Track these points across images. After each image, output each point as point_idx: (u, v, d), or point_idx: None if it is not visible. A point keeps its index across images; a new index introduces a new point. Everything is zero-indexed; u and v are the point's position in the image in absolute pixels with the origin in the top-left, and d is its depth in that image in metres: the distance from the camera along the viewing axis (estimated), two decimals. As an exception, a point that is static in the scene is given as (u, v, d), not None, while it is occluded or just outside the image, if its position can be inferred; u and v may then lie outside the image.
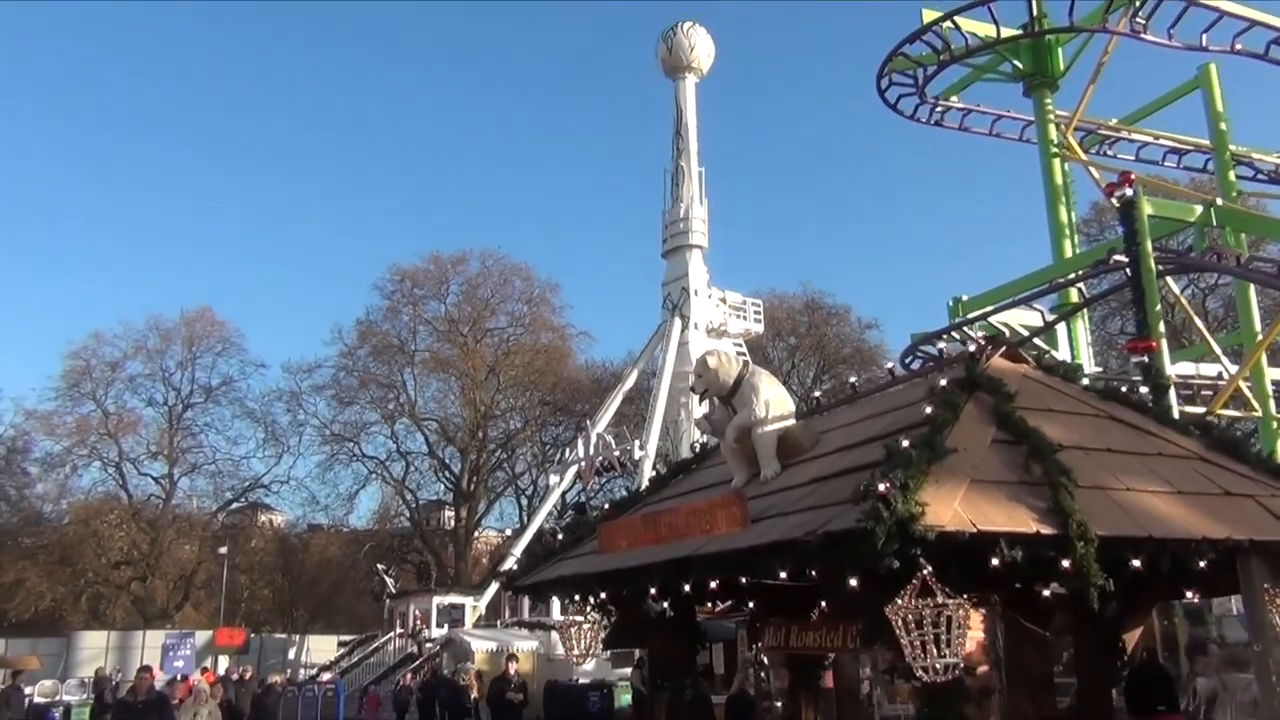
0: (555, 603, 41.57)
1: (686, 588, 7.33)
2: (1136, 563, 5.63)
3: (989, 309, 29.33)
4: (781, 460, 8.05)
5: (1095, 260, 27.92)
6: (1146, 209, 24.56)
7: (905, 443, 5.71)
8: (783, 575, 6.05)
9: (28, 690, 27.64)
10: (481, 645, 39.95)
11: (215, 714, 15.31)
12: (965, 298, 32.17)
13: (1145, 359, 21.36)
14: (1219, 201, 28.44)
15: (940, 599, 5.24)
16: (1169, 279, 27.86)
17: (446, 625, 45.93)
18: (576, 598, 9.19)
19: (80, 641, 48.71)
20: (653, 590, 8.11)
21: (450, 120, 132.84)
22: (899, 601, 5.26)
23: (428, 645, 42.80)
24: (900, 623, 5.28)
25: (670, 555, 7.18)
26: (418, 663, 40.12)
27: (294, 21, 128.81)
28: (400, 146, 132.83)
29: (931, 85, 37.07)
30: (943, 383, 6.70)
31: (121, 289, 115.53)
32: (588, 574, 8.75)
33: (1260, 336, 29.44)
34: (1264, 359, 28.06)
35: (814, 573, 5.84)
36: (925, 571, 5.22)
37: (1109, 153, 39.74)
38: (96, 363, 65.41)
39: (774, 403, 8.14)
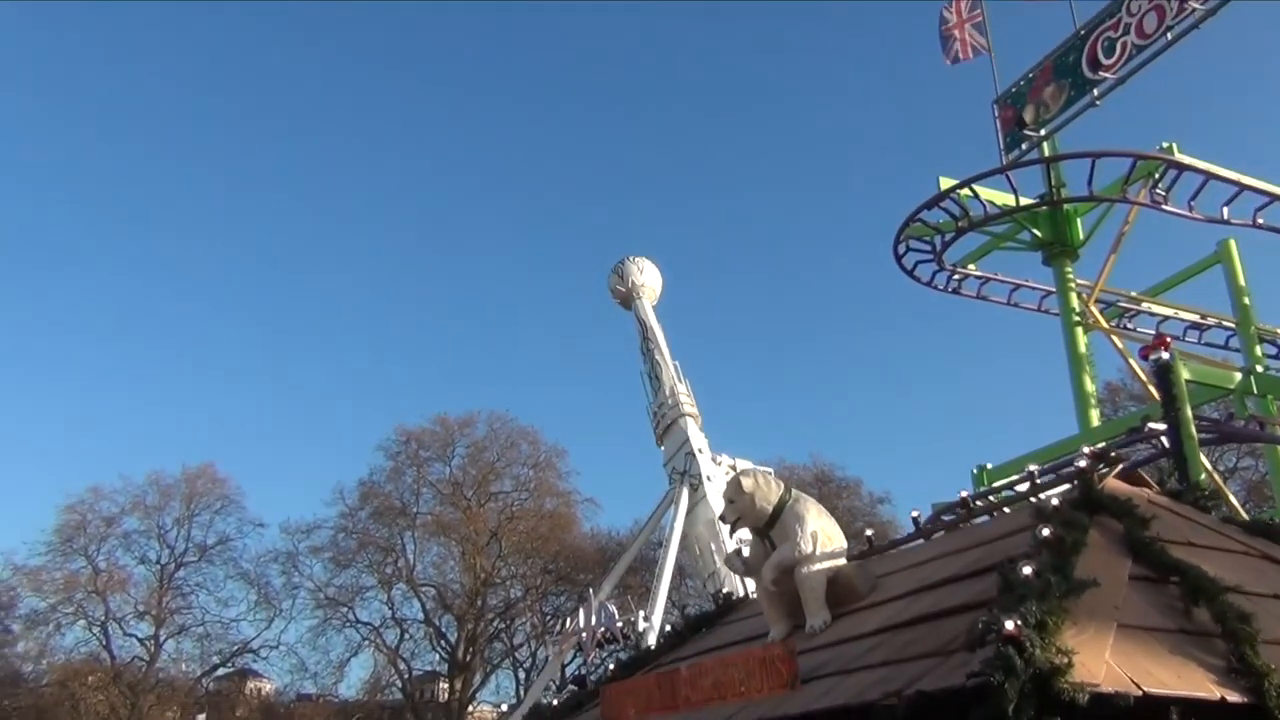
0: (549, 785, 39.13)
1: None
2: (1345, 750, 4.17)
3: (1014, 478, 27.92)
4: (831, 608, 6.59)
5: (1129, 428, 26.61)
6: (1184, 374, 23.38)
7: (1027, 569, 4.34)
8: (845, 752, 4.64)
9: None
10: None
11: None
12: (990, 466, 30.82)
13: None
14: (1260, 369, 27.33)
15: (1080, 792, 3.79)
16: (1201, 452, 26.51)
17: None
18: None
19: (41, 817, 45.48)
20: None
21: (460, 283, 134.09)
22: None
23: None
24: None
25: (696, 725, 5.73)
26: None
27: (296, 175, 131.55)
28: (412, 307, 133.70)
29: (949, 252, 36.55)
30: (1055, 502, 5.35)
31: (124, 443, 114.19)
32: (585, 750, 7.22)
33: (1300, 518, 27.82)
34: (1310, 541, 26.42)
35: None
36: (1060, 754, 3.77)
37: (1129, 326, 38.97)
38: (92, 517, 64.26)
39: (823, 536, 6.72)
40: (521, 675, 68.72)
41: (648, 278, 56.69)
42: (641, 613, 46.91)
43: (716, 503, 47.31)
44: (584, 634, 48.78)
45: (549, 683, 51.76)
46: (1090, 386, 33.74)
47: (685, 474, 51.24)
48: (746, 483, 7.06)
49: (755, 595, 7.65)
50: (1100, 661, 3.95)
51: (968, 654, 3.98)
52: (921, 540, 8.19)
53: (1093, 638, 4.09)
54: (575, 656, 51.00)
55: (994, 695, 3.62)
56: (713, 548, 47.57)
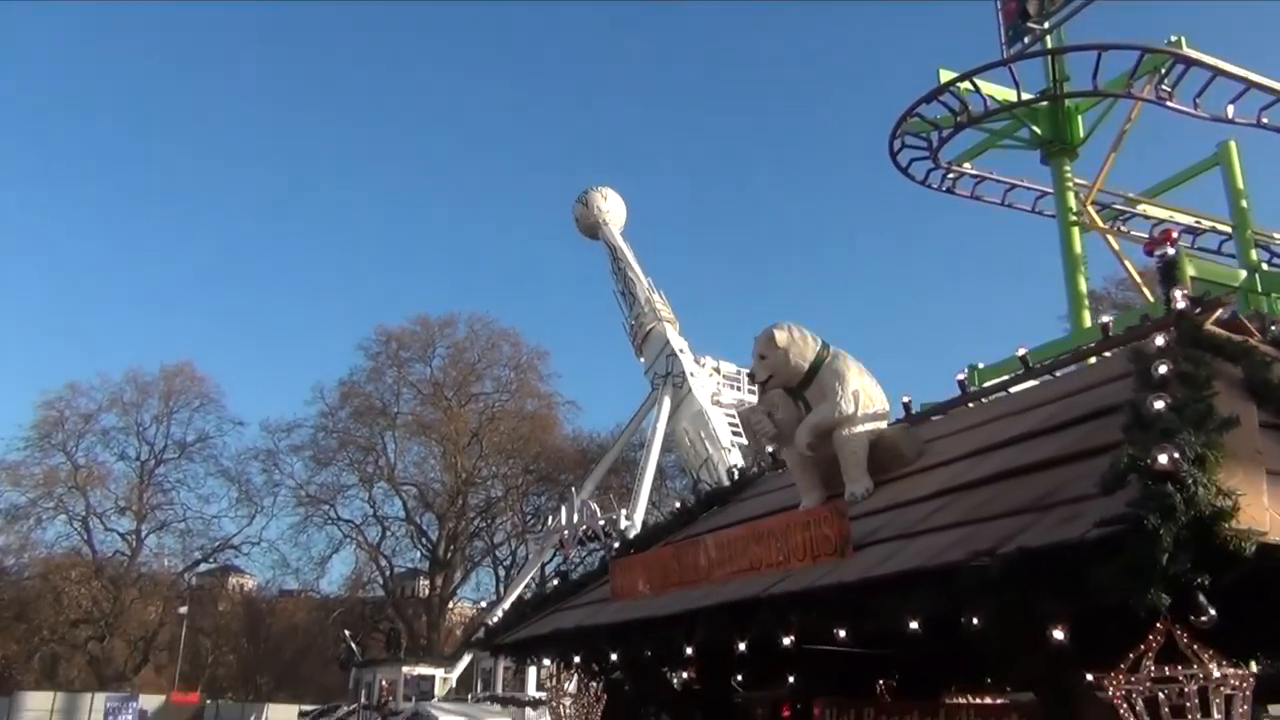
0: (531, 675, 39.34)
1: (742, 646, 5.20)
2: None
3: (1007, 377, 27.47)
4: (873, 475, 5.93)
5: (1127, 327, 26.05)
6: (1188, 270, 22.77)
7: (1160, 404, 3.67)
8: (913, 625, 4.04)
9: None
10: (450, 720, 37.42)
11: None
12: (981, 365, 30.31)
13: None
14: (1265, 266, 26.81)
15: (1216, 669, 3.18)
16: (1204, 351, 26.01)
17: (414, 697, 43.26)
18: (576, 659, 6.98)
19: (24, 702, 45.81)
20: (689, 650, 5.92)
21: (441, 186, 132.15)
22: (1137, 670, 3.19)
23: (393, 718, 40.12)
24: (1128, 709, 3.23)
25: (724, 598, 5.10)
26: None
27: (283, 75, 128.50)
28: (393, 207, 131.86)
29: (945, 150, 35.52)
30: (1159, 342, 4.67)
31: (102, 341, 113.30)
32: (593, 627, 6.59)
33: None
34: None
35: (975, 620, 3.81)
36: (1205, 618, 3.15)
37: (1123, 229, 38.31)
38: (70, 414, 64.01)
39: (864, 396, 6.03)
40: (502, 573, 69.17)
41: (612, 205, 57.41)
42: (624, 511, 46.83)
43: (702, 396, 47.51)
44: (565, 532, 48.83)
45: (530, 580, 51.93)
46: (1084, 288, 33.17)
47: (668, 376, 51.02)
48: (780, 336, 6.30)
49: (785, 458, 6.91)
50: (1260, 508, 3.33)
51: (1068, 508, 3.35)
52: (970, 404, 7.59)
53: (1243, 483, 3.46)
54: (555, 555, 51.16)
55: (1145, 543, 3.00)
56: (702, 436, 47.60)
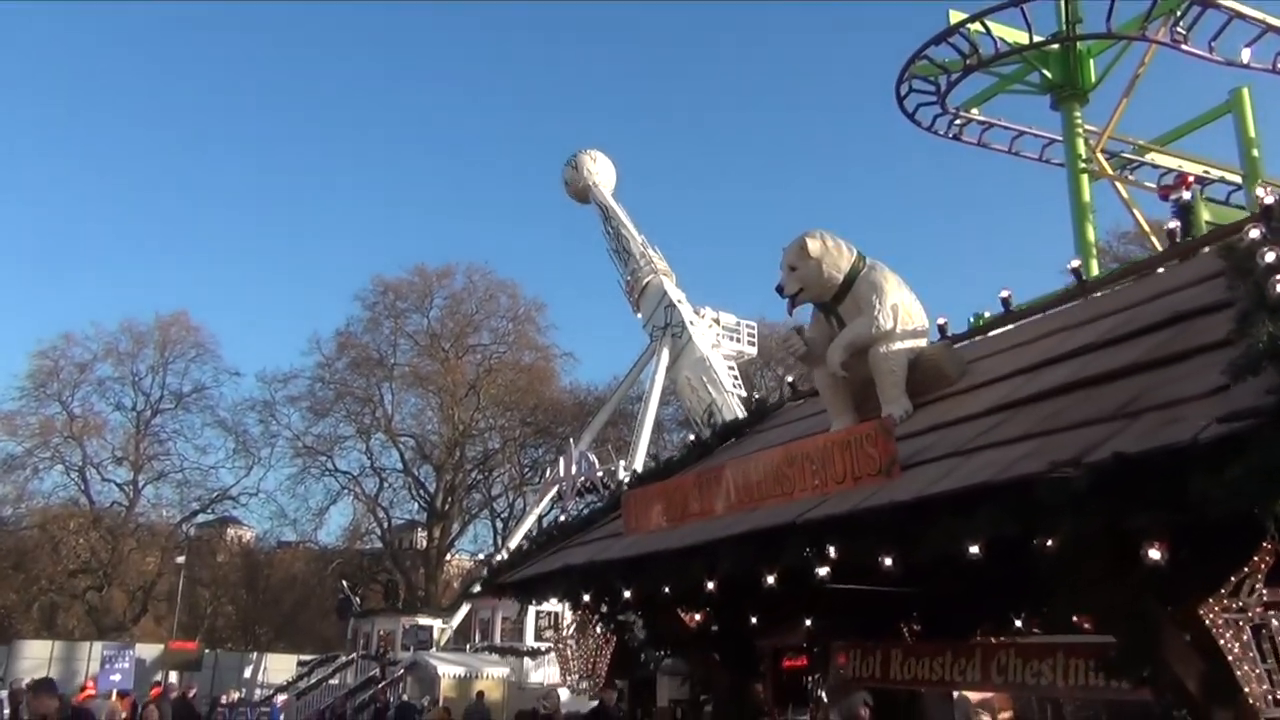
0: (530, 624, 39.34)
1: (770, 580, 4.75)
2: None
3: (1012, 325, 27.04)
4: (911, 396, 5.50)
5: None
6: (1204, 215, 22.22)
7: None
8: (973, 549, 3.62)
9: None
10: (449, 670, 37.52)
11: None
12: (988, 314, 29.81)
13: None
14: (1282, 213, 26.30)
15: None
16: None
17: (412, 648, 43.33)
18: (585, 597, 6.57)
19: (22, 651, 45.75)
20: (710, 584, 5.46)
21: (440, 134, 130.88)
22: (1238, 595, 2.78)
23: (391, 668, 40.10)
24: (1232, 638, 2.82)
25: (752, 525, 4.66)
26: (374, 690, 37.37)
27: (286, 27, 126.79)
28: (390, 156, 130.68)
29: (953, 96, 34.72)
30: (1255, 234, 4.23)
31: (97, 290, 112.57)
32: (606, 562, 6.17)
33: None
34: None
35: (1049, 543, 3.39)
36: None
37: (1130, 177, 37.68)
38: (65, 363, 63.66)
39: (903, 311, 5.59)
40: (499, 525, 69.20)
41: (601, 167, 57.62)
42: (622, 463, 46.67)
43: (703, 343, 47.39)
44: (564, 483, 48.70)
45: (528, 531, 51.87)
46: (1092, 235, 32.60)
47: (667, 326, 50.79)
48: (813, 245, 5.80)
49: (816, 380, 6.44)
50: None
51: (1164, 411, 2.93)
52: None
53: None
54: (553, 507, 51.09)
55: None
56: (705, 381, 47.42)
